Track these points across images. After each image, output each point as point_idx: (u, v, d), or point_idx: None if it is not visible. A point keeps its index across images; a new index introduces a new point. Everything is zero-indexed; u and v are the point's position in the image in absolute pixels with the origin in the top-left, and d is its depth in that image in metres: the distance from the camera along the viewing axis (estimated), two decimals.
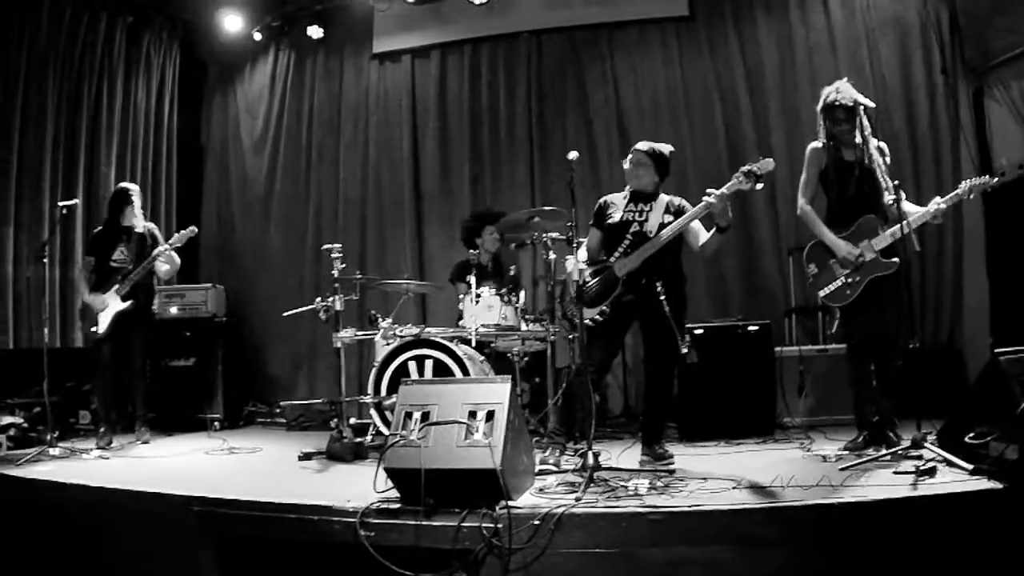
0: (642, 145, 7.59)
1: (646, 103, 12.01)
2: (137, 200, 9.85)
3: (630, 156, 7.57)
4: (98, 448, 8.91)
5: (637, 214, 7.29)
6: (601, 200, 7.74)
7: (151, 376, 10.28)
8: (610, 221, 7.40)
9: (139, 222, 9.81)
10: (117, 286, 9.42)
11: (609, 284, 7.15)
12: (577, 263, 7.35)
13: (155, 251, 9.42)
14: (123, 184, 10.17)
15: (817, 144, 7.43)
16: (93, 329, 9.47)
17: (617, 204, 7.50)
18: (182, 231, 9.56)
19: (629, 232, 7.22)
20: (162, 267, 9.64)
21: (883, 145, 7.34)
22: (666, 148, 7.61)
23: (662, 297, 7.04)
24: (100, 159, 12.24)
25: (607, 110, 12.09)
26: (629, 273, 7.08)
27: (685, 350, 7.22)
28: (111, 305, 9.42)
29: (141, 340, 9.79)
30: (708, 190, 6.80)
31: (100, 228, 9.96)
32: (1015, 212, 9.12)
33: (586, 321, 7.18)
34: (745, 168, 6.67)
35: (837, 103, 7.17)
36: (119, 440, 9.38)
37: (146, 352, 9.96)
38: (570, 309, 7.49)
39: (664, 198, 7.46)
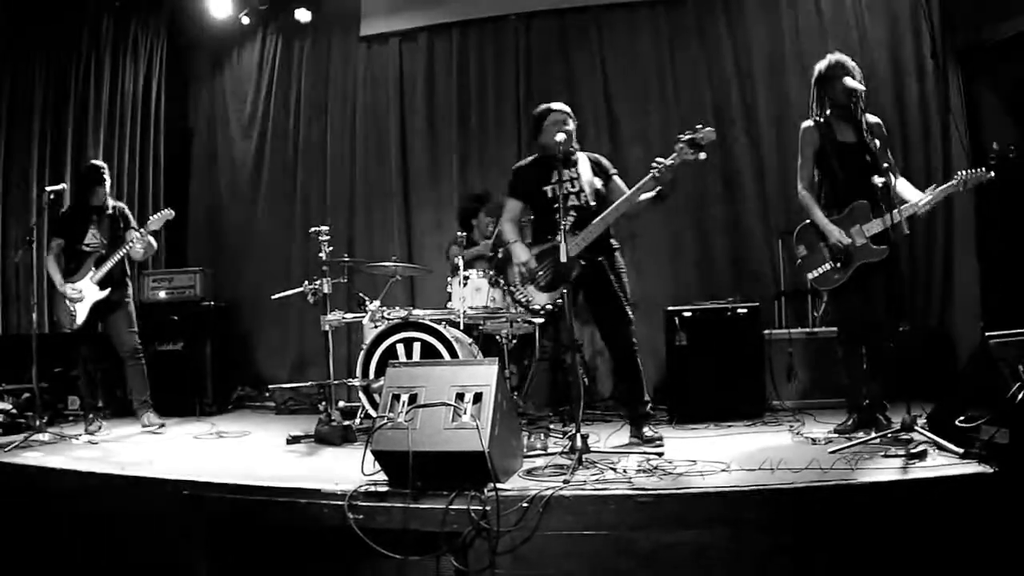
0: (562, 105, 7.56)
1: (635, 86, 11.97)
2: (108, 179, 9.59)
3: (559, 119, 7.44)
4: (87, 434, 8.85)
5: (569, 184, 7.21)
6: (516, 167, 7.70)
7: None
8: (543, 196, 7.33)
9: (109, 201, 9.59)
10: (92, 273, 9.24)
11: (563, 267, 7.10)
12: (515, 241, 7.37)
13: (130, 236, 9.24)
14: (94, 162, 9.98)
15: (808, 123, 7.34)
16: (71, 317, 9.27)
17: (539, 172, 7.42)
18: (159, 213, 9.44)
19: (571, 207, 7.13)
20: (138, 250, 9.37)
21: (879, 122, 7.21)
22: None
23: (613, 275, 7.14)
24: (88, 144, 12.16)
25: (596, 93, 12.04)
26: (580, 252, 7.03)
27: (631, 316, 7.23)
28: (88, 295, 9.24)
29: (127, 322, 9.58)
30: (656, 159, 6.81)
31: (68, 209, 9.76)
32: (1005, 196, 9.12)
33: (548, 306, 7.20)
34: (686, 137, 6.69)
35: (837, 61, 7.08)
36: (113, 425, 9.35)
37: (137, 333, 9.70)
38: (520, 293, 7.43)
39: (583, 157, 7.45)
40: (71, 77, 12.10)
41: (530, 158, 7.68)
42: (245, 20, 13.33)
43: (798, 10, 11.29)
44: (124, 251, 9.25)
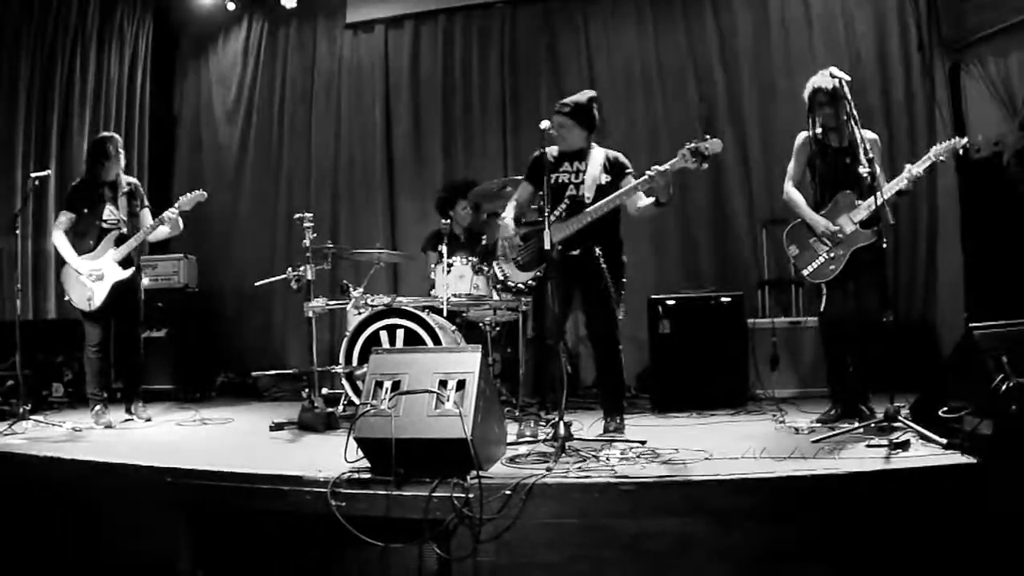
0: (562, 105, 7.42)
1: (619, 75, 12.02)
2: (121, 153, 9.12)
3: (552, 119, 7.36)
4: (100, 426, 8.60)
5: (573, 175, 7.21)
6: (538, 153, 7.54)
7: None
8: (550, 181, 7.24)
9: (123, 177, 9.19)
10: (112, 251, 8.85)
11: (542, 249, 7.10)
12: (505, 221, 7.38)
13: (164, 214, 8.83)
14: (107, 133, 9.50)
15: (805, 134, 7.48)
16: (88, 298, 8.80)
17: (555, 161, 7.38)
18: (190, 194, 9.09)
19: (566, 195, 7.15)
20: (164, 231, 9.07)
21: (875, 138, 7.35)
22: (584, 96, 7.45)
23: (603, 264, 6.96)
24: (73, 130, 12.08)
25: (580, 82, 11.89)
26: (565, 240, 7.01)
27: (622, 315, 7.21)
28: (109, 273, 8.84)
29: (140, 311, 9.31)
30: (653, 167, 6.75)
31: (79, 182, 9.22)
32: (990, 187, 9.17)
33: (519, 284, 7.23)
34: (692, 146, 6.59)
35: (818, 87, 7.19)
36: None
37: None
38: (500, 267, 7.45)
39: (598, 154, 7.38)
40: (56, 62, 12.01)
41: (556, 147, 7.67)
42: (231, 6, 13.26)
43: (784, 1, 11.29)
44: (151, 229, 8.96)
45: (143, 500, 6.06)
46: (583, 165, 7.23)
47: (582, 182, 7.19)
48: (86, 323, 9.02)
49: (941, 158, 7.02)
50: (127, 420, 9.04)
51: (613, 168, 7.32)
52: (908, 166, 7.03)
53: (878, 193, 6.48)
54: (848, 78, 6.97)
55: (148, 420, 9.10)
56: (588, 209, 7.02)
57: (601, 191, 7.14)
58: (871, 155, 6.70)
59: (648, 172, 6.71)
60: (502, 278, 7.46)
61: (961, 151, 7.06)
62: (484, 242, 9.95)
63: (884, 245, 6.90)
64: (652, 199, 6.97)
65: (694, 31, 11.81)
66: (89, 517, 6.24)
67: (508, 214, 7.49)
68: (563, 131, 7.27)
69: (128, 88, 13.07)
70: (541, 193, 7.08)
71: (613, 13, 12.14)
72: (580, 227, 6.99)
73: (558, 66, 12.26)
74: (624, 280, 7.36)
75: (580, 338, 10.75)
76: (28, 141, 11.58)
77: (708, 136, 6.69)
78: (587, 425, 7.48)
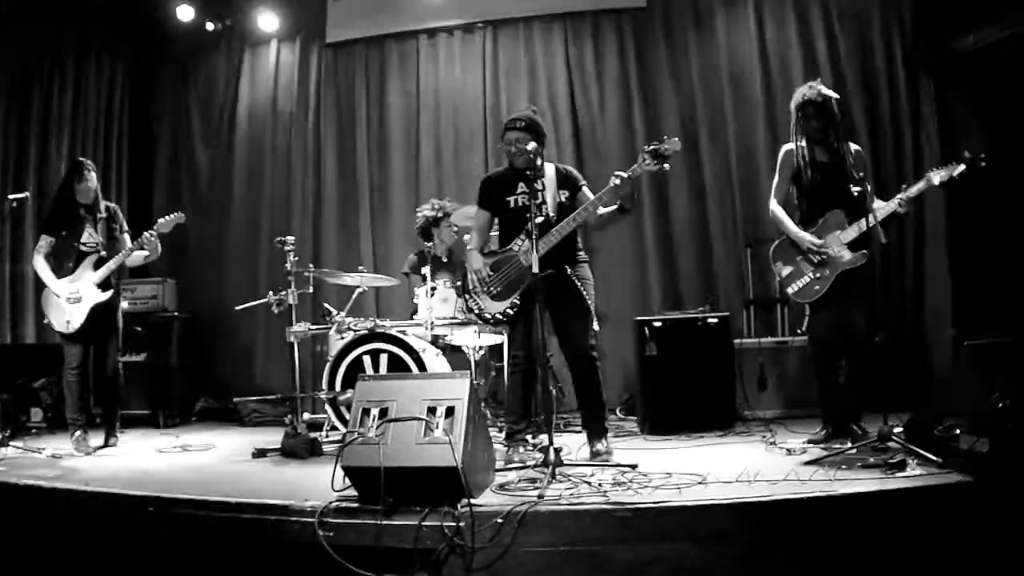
0: (515, 121, 7.37)
1: (600, 95, 11.98)
2: (94, 175, 8.99)
3: (506, 136, 7.33)
4: (81, 453, 8.47)
5: (533, 196, 7.08)
6: (484, 179, 7.66)
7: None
8: (507, 207, 7.32)
9: (101, 201, 9.12)
10: (91, 274, 8.77)
11: (519, 275, 7.10)
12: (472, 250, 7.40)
13: (142, 237, 8.74)
14: (80, 158, 9.40)
15: (789, 146, 7.41)
16: (67, 320, 8.71)
17: (505, 184, 7.38)
18: (169, 216, 9.02)
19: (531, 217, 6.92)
20: (141, 254, 8.97)
21: (859, 149, 7.35)
22: (531, 110, 7.53)
23: (578, 283, 7.10)
24: (51, 153, 12.01)
25: (562, 101, 12.03)
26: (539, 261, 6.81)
27: (596, 328, 7.19)
28: (87, 295, 8.75)
29: (119, 335, 9.18)
30: (616, 172, 6.72)
31: (55, 205, 9.13)
32: (976, 204, 9.16)
33: (497, 315, 7.16)
34: (649, 147, 6.61)
35: (807, 99, 7.14)
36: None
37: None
38: (473, 300, 7.36)
39: (550, 169, 7.37)
40: (34, 85, 11.95)
41: (500, 169, 7.62)
42: (210, 27, 13.18)
43: (766, 21, 11.34)
44: (129, 252, 8.86)
45: (124, 531, 5.97)
46: (540, 185, 7.15)
47: (544, 202, 7.16)
48: (64, 344, 8.92)
49: (935, 182, 7.00)
50: (101, 447, 8.85)
51: (567, 183, 7.35)
52: (903, 187, 7.02)
53: (870, 215, 6.46)
54: (836, 96, 6.97)
55: (113, 445, 8.97)
56: (556, 228, 6.98)
57: (561, 209, 7.16)
58: (861, 173, 6.68)
59: (613, 179, 6.67)
60: (477, 311, 7.38)
61: (957, 176, 7.04)
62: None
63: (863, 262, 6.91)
64: (615, 206, 6.97)
65: (675, 50, 11.80)
66: (67, 548, 6.13)
67: (473, 245, 7.47)
68: (523, 146, 7.13)
69: (107, 111, 13.01)
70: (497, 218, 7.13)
71: (595, 32, 12.10)
72: (550, 247, 6.93)
73: (539, 86, 12.20)
74: (593, 294, 7.34)
75: (565, 361, 10.72)
76: (6, 164, 11.50)
77: (666, 136, 6.70)
78: (575, 448, 7.44)
